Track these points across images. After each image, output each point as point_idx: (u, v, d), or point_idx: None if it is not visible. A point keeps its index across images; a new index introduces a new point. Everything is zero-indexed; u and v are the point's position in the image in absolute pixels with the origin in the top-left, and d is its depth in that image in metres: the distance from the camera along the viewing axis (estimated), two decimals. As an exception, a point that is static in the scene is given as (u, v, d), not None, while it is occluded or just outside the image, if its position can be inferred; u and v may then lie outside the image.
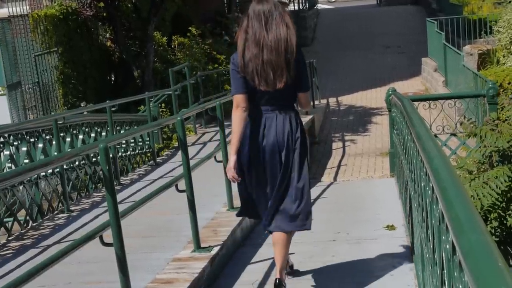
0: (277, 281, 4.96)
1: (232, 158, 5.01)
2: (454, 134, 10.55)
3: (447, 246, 2.33)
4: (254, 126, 4.97)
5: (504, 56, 15.61)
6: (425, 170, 3.28)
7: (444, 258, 2.50)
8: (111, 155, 10.31)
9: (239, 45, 4.88)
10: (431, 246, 3.12)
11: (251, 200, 5.19)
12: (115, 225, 4.25)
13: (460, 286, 1.98)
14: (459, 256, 1.81)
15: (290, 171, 4.96)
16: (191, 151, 12.68)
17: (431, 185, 2.93)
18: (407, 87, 20.79)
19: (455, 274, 2.08)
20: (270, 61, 4.77)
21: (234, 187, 7.77)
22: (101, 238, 4.25)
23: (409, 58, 25.27)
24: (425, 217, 3.46)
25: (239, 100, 4.94)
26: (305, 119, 12.83)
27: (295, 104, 5.13)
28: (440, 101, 11.17)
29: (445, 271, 2.50)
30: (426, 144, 3.06)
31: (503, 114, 11.20)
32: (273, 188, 4.99)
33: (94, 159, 10.13)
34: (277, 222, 5.03)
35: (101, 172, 10.45)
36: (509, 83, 13.87)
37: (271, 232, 5.16)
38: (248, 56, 4.82)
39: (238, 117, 4.96)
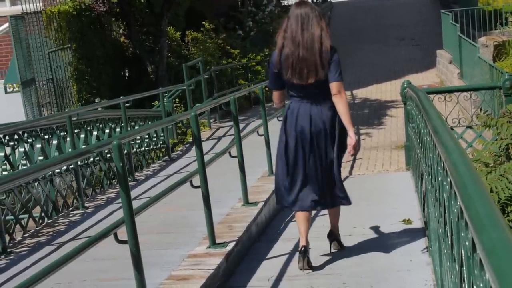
0: (330, 232, 5.98)
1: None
2: (470, 127, 10.45)
3: (467, 243, 2.28)
4: (295, 115, 5.60)
5: (520, 48, 15.47)
6: (442, 164, 3.22)
7: (463, 255, 2.45)
8: (125, 151, 10.29)
9: (279, 43, 5.55)
10: (449, 242, 3.06)
11: (292, 184, 5.69)
12: (129, 222, 4.22)
13: (481, 285, 1.93)
14: (479, 253, 1.76)
15: (329, 153, 5.58)
16: (206, 146, 12.67)
17: (449, 180, 2.88)
18: (422, 79, 20.66)
19: (475, 272, 2.03)
20: (305, 58, 5.41)
21: (249, 182, 7.78)
22: (115, 235, 4.22)
23: (424, 51, 25.11)
24: (443, 212, 3.41)
25: (274, 94, 5.84)
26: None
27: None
28: (455, 93, 11.07)
29: (464, 268, 2.46)
30: (443, 138, 3.01)
31: (519, 106, 11.11)
32: (315, 170, 5.59)
33: (108, 156, 10.11)
34: (317, 199, 5.68)
35: (115, 168, 10.43)
36: (525, 75, 13.74)
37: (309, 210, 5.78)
38: (285, 53, 5.48)
39: (276, 105, 6.12)
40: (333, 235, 6.00)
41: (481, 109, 11.52)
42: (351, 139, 5.51)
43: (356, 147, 5.55)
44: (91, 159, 9.69)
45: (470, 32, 18.05)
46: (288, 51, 5.45)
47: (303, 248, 5.62)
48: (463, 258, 2.45)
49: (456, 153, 2.60)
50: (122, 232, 4.31)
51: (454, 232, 2.75)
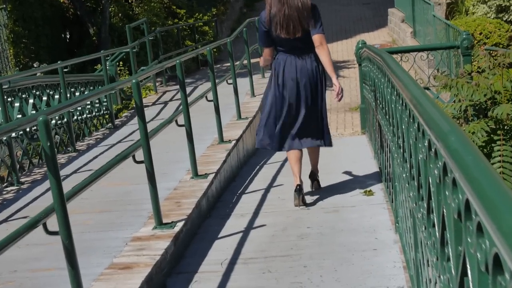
0: (311, 172, 6.82)
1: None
2: (427, 88, 10.05)
3: (469, 239, 1.78)
4: (283, 66, 6.33)
5: (474, 5, 15.10)
6: (427, 143, 2.71)
7: (466, 255, 1.95)
8: (65, 120, 9.61)
9: (267, 3, 6.27)
10: (438, 234, 2.56)
11: (277, 127, 6.39)
12: (60, 211, 3.63)
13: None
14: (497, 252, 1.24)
15: (315, 99, 6.32)
16: (152, 111, 12.05)
17: (441, 163, 2.37)
18: (373, 38, 20.26)
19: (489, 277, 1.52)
20: (290, 15, 6.15)
21: (198, 151, 7.23)
22: (44, 226, 3.64)
23: (374, 9, 24.70)
24: (426, 196, 2.91)
25: (265, 51, 6.52)
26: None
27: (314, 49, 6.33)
28: (412, 53, 10.63)
29: (470, 274, 1.95)
30: (433, 115, 2.49)
31: (475, 65, 10.73)
32: (299, 112, 6.32)
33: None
34: (305, 139, 6.41)
35: (57, 137, 9.74)
36: (480, 33, 13.40)
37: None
38: (273, 12, 6.21)
39: (263, 60, 6.61)
40: (313, 175, 6.81)
41: (438, 70, 11.14)
42: (336, 86, 6.28)
43: (341, 93, 6.30)
44: (28, 129, 8.97)
45: (422, -11, 17.60)
46: (275, 10, 6.18)
47: (298, 187, 6.30)
48: (467, 259, 1.95)
49: (454, 135, 2.10)
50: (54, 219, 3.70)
51: (449, 224, 2.24)
